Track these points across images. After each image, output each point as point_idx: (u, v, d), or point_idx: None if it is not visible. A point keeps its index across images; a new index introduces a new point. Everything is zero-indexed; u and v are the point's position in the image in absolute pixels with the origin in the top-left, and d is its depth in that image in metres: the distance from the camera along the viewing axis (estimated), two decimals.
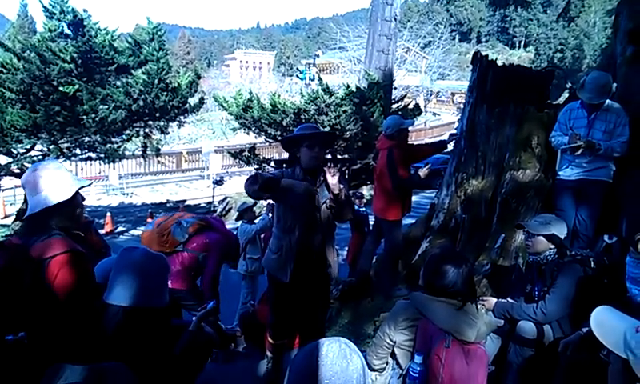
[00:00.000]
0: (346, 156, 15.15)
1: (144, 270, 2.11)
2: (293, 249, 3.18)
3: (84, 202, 2.37)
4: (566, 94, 9.41)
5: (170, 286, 3.80)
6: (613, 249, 3.47)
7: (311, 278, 3.27)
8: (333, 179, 2.98)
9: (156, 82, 11.07)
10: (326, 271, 3.34)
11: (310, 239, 3.20)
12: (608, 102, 3.86)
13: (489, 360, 2.37)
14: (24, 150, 10.51)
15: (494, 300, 3.31)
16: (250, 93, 14.15)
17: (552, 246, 3.13)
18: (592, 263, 3.13)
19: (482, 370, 2.16)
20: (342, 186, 3.06)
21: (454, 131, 5.67)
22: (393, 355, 2.30)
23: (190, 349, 2.58)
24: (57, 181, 2.18)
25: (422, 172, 4.92)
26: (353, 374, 1.26)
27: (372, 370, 2.34)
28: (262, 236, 5.64)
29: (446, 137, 5.42)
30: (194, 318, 2.79)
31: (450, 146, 5.51)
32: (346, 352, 1.29)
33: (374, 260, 5.60)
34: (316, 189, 3.15)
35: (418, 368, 2.10)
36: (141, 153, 13.27)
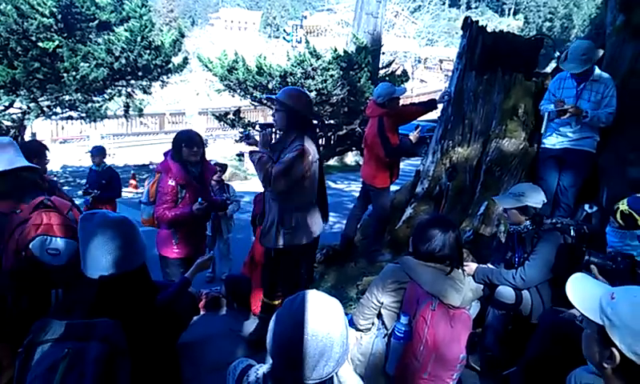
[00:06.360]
0: (332, 121, 15.03)
1: (110, 235, 2.01)
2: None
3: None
4: (553, 64, 9.41)
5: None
6: (593, 218, 3.55)
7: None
8: None
9: (138, 39, 10.78)
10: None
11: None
12: (597, 72, 3.88)
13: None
14: (2, 107, 10.24)
15: (474, 265, 3.37)
16: (236, 54, 13.84)
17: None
18: (572, 231, 3.20)
19: (464, 332, 2.24)
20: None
21: (448, 90, 5.43)
22: (379, 316, 2.36)
23: (174, 303, 2.61)
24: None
25: (413, 136, 4.88)
26: (335, 316, 1.38)
27: (358, 330, 2.40)
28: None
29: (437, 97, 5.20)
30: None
31: (440, 107, 5.40)
32: (325, 297, 1.43)
33: (359, 225, 5.64)
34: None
35: (404, 328, 2.15)
36: (123, 113, 13.02)
